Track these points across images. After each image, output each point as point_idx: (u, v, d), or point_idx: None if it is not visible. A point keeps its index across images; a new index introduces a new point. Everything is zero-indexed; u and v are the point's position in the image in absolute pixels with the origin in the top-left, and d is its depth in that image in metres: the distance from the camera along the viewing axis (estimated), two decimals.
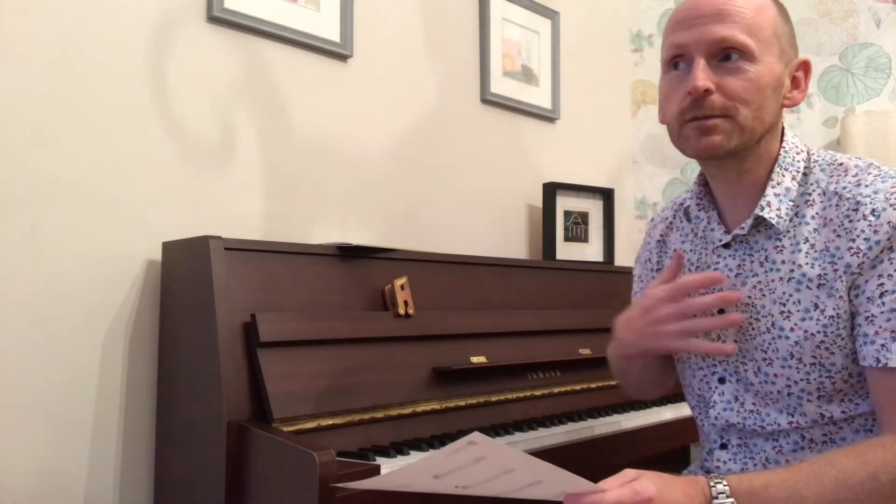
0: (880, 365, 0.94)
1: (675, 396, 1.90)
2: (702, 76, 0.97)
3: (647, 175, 2.78)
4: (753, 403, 1.05)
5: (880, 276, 0.94)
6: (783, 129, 1.07)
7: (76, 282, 1.39)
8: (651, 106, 2.78)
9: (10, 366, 1.31)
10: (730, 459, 1.09)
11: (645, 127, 2.80)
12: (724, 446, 1.10)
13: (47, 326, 1.35)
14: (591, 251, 2.37)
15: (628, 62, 2.83)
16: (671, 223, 1.22)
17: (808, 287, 0.99)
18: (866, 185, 0.97)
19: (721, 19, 0.98)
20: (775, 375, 1.02)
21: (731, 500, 0.87)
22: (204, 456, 1.29)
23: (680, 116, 1.02)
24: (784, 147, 1.05)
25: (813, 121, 2.40)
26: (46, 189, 1.36)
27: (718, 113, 0.98)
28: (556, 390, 1.72)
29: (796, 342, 0.99)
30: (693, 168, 2.64)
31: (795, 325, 0.99)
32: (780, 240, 1.02)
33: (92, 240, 1.41)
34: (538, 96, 2.39)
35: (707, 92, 0.98)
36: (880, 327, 0.94)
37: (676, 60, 1.03)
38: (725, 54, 0.98)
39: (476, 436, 0.76)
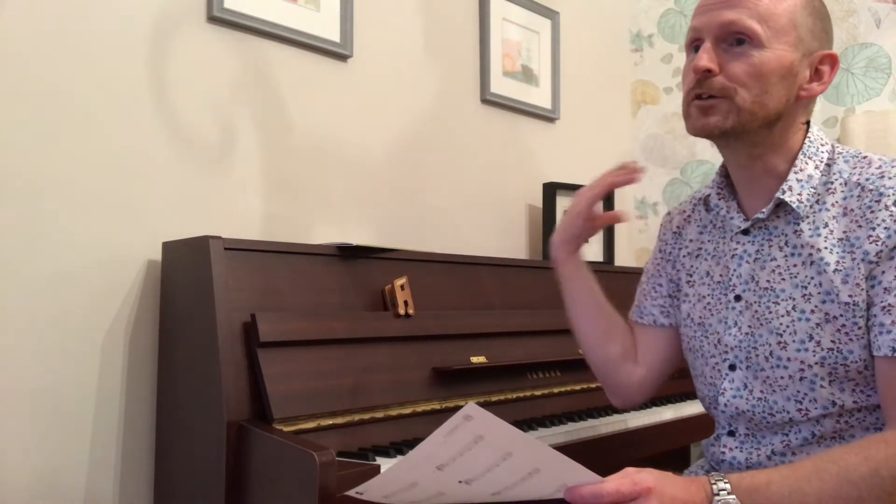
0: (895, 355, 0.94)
1: (676, 396, 1.90)
2: (705, 57, 1.02)
3: (647, 175, 2.78)
4: (761, 391, 1.06)
5: None
6: (808, 122, 1.10)
7: (76, 282, 1.39)
8: (651, 106, 2.78)
9: (10, 365, 1.31)
10: (736, 447, 1.10)
11: (645, 127, 2.80)
12: (731, 433, 1.11)
13: (47, 326, 1.35)
14: (590, 251, 2.37)
15: (628, 62, 2.83)
16: (689, 216, 1.24)
17: (824, 271, 1.00)
18: (890, 178, 0.99)
19: (732, 5, 1.01)
20: (788, 360, 1.02)
21: (733, 496, 0.86)
22: (204, 456, 1.29)
23: (687, 95, 1.06)
24: (809, 138, 1.08)
25: (813, 121, 2.37)
26: (46, 189, 1.36)
27: (718, 94, 1.02)
28: (556, 390, 1.72)
29: (817, 324, 1.00)
30: (693, 168, 2.64)
31: (816, 307, 1.00)
32: (800, 224, 1.04)
33: (92, 240, 1.41)
34: (538, 96, 2.39)
35: (709, 72, 1.01)
36: None
37: (696, 44, 1.07)
38: (736, 39, 1.01)
39: (471, 407, 0.76)
